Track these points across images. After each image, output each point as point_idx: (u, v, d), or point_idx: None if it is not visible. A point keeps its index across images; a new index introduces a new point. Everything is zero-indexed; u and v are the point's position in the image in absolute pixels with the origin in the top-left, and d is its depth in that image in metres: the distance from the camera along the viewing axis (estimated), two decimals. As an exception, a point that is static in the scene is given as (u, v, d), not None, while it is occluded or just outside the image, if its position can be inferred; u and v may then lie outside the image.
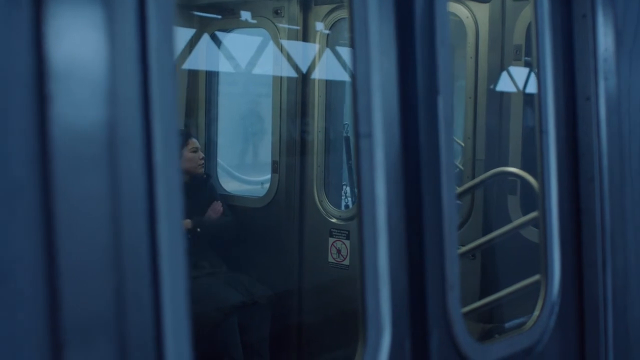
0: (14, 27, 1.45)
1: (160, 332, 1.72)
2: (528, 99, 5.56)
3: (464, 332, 2.65)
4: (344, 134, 6.66)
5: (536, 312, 3.05)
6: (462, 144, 6.03)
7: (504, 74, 5.63)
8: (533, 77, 5.24)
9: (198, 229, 6.18)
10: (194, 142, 6.35)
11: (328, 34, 6.42)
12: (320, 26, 6.50)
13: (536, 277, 3.39)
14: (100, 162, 1.55)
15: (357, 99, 2.26)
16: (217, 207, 6.41)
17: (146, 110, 1.69)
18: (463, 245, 4.97)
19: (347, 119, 6.62)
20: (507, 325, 5.28)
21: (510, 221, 5.26)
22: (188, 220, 6.19)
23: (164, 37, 1.70)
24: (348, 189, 6.97)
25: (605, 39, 3.27)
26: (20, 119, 1.41)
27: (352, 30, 2.26)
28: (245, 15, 6.84)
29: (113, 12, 1.62)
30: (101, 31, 1.57)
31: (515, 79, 5.58)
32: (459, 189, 5.03)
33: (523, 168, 5.22)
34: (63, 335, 1.47)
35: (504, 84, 5.65)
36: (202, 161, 6.36)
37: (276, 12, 6.61)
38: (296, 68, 6.57)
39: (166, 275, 1.73)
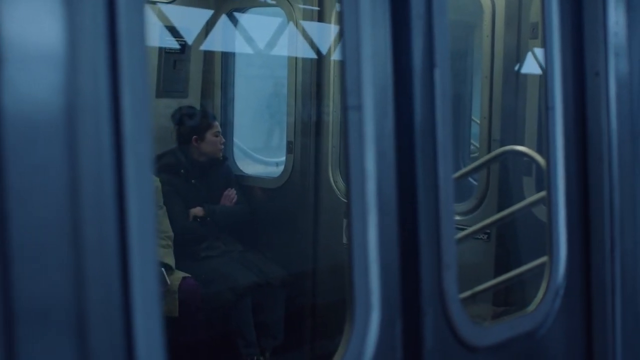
0: None
1: (128, 312, 1.65)
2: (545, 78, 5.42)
3: (461, 314, 2.56)
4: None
5: (540, 294, 2.95)
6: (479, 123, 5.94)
7: (521, 53, 5.50)
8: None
9: (208, 218, 6.17)
10: (217, 125, 6.32)
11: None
12: (337, 5, 6.41)
13: (543, 259, 3.29)
14: (58, 130, 1.48)
15: (345, 69, 2.18)
16: (230, 195, 6.37)
17: (114, 76, 1.63)
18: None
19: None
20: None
21: (525, 204, 5.16)
22: (199, 208, 6.17)
23: (132, 15, 1.63)
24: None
25: (616, 12, 3.14)
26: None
27: (340, -3, 2.18)
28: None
29: None
30: (61, 11, 1.50)
31: (532, 58, 5.45)
32: (467, 168, 4.92)
33: (539, 149, 5.10)
34: (17, 314, 1.41)
35: (521, 64, 5.53)
36: (223, 145, 6.32)
37: (292, -10, 6.53)
38: (312, 48, 6.49)
39: (135, 253, 1.66)
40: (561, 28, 3.01)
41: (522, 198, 5.36)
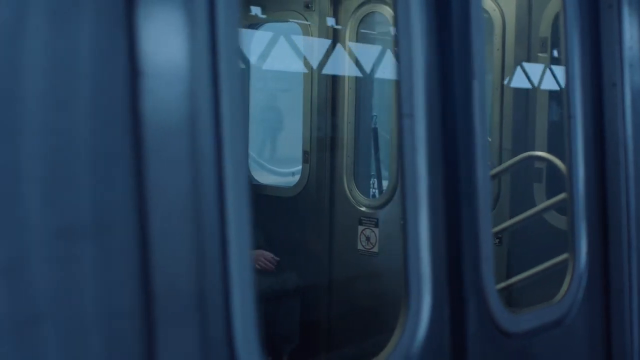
0: (112, 35, 1.66)
1: (227, 297, 1.91)
2: (554, 91, 5.69)
3: (497, 302, 2.83)
4: (372, 125, 6.80)
5: (564, 286, 3.23)
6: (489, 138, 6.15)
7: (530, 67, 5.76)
8: (558, 70, 5.38)
9: None
10: None
11: (358, 28, 6.56)
12: (351, 20, 6.63)
13: (564, 255, 3.56)
14: (183, 130, 1.75)
15: (400, 83, 2.45)
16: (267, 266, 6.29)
17: (215, 88, 1.90)
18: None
19: (376, 111, 6.77)
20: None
21: (536, 209, 5.38)
22: None
23: (230, 36, 1.91)
24: (376, 181, 7.07)
25: (630, 28, 3.44)
26: (120, 109, 1.63)
27: (396, 21, 2.46)
28: (276, 8, 6.97)
29: (189, 16, 1.82)
30: (181, 34, 1.78)
31: (541, 71, 5.71)
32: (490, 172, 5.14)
33: (547, 160, 5.32)
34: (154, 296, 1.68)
35: (530, 77, 5.78)
36: None
37: (307, 6, 6.73)
38: (327, 63, 6.70)
39: (233, 242, 1.92)
40: (581, 44, 3.30)
41: (533, 204, 5.60)
